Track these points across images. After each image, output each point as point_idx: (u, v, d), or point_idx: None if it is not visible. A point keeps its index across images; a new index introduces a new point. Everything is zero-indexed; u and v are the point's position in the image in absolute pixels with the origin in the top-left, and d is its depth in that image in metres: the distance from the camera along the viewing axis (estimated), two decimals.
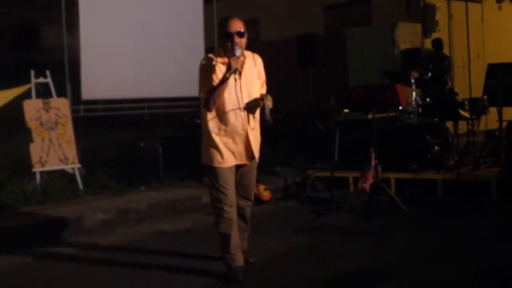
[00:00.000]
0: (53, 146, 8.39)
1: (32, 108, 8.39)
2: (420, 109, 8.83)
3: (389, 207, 7.40)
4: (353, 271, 5.31)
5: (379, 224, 6.95)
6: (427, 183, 8.42)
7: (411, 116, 8.78)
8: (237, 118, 5.01)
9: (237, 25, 4.92)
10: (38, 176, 8.27)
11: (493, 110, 9.02)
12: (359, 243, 6.30)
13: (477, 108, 8.79)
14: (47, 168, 8.36)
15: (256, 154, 5.18)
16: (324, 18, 14.79)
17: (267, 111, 4.92)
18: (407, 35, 12.67)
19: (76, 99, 9.91)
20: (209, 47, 11.47)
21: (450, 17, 13.80)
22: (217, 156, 5.04)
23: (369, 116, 8.07)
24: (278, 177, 9.29)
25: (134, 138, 9.90)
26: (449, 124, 9.60)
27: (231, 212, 5.07)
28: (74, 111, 9.48)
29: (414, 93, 8.84)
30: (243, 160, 5.15)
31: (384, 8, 13.50)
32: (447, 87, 9.39)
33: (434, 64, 10.68)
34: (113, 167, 9.07)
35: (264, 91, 5.19)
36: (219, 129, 5.04)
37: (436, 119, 8.76)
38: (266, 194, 8.51)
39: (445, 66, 11.37)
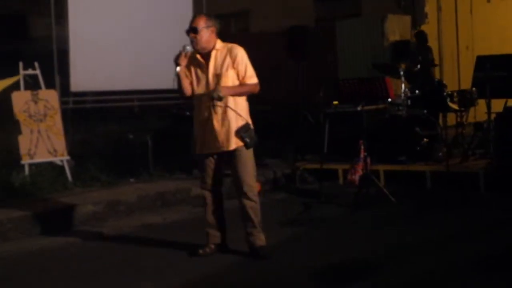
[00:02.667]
0: (42, 138, 8.37)
1: (20, 100, 8.36)
2: (409, 101, 8.85)
3: (378, 199, 7.43)
4: (342, 263, 5.33)
5: (367, 216, 6.98)
6: (416, 175, 8.45)
7: (400, 108, 8.81)
8: (205, 107, 5.36)
9: (194, 22, 5.33)
10: (26, 168, 8.25)
11: (481, 102, 9.05)
12: (348, 235, 6.33)
13: (466, 100, 8.82)
14: (36, 160, 8.34)
15: (224, 143, 5.31)
16: (314, 10, 14.78)
17: (214, 102, 5.25)
18: (397, 27, 12.68)
19: (65, 90, 9.87)
20: None
21: (439, 9, 13.79)
22: (197, 143, 5.48)
23: (358, 108, 8.09)
24: (268, 169, 9.29)
25: (123, 130, 9.89)
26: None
27: (206, 195, 5.58)
28: (63, 103, 9.44)
29: (403, 85, 8.86)
30: (215, 149, 5.37)
31: (374, 0, 13.52)
32: (436, 80, 9.41)
33: (422, 56, 10.71)
34: (103, 159, 9.06)
35: (249, 81, 5.34)
36: (196, 118, 5.48)
37: (425, 111, 8.78)
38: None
39: (430, 58, 11.40)
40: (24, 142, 8.25)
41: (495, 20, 15.23)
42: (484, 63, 8.72)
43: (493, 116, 8.65)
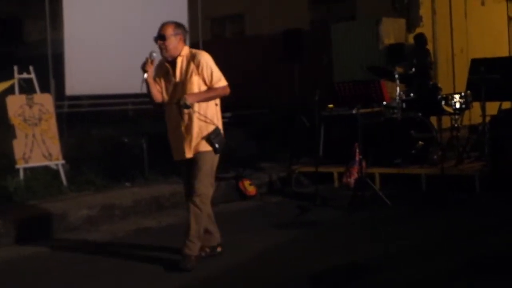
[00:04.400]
0: (37, 142, 8.35)
1: (15, 104, 8.33)
2: (404, 104, 8.86)
3: (374, 201, 7.43)
4: (338, 266, 5.33)
5: (363, 219, 6.98)
6: (411, 178, 8.46)
7: (395, 111, 8.82)
8: (172, 114, 5.41)
9: (162, 30, 5.36)
10: (21, 172, 8.22)
11: (476, 105, 9.07)
12: (344, 238, 6.32)
13: (461, 103, 8.82)
14: (31, 164, 8.32)
15: (186, 150, 5.32)
16: (309, 13, 14.78)
17: (181, 111, 5.28)
18: (392, 30, 12.69)
19: (60, 94, 9.85)
20: (194, 42, 11.45)
21: (434, 12, 13.83)
22: (172, 149, 5.53)
23: (354, 112, 8.09)
24: (263, 173, 9.30)
25: (118, 134, 9.87)
26: (433, 119, 9.63)
27: (187, 201, 5.48)
28: (58, 107, 9.43)
29: (398, 88, 8.87)
30: (182, 156, 5.39)
31: (369, 3, 13.53)
32: (431, 82, 9.43)
33: (418, 59, 10.72)
34: (98, 163, 9.04)
35: (217, 85, 5.34)
36: (167, 125, 5.52)
37: (420, 114, 8.79)
38: (251, 190, 8.53)
39: (428, 61, 11.41)
40: (19, 146, 8.23)
41: (489, 22, 15.30)
42: (479, 66, 8.74)
43: (488, 119, 8.68)
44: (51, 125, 8.55)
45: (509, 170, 8.00)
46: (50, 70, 9.79)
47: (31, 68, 8.63)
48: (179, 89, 5.35)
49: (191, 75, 5.31)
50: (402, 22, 13.00)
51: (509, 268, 5.00)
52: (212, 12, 14.86)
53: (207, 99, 5.34)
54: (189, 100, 5.23)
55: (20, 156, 8.21)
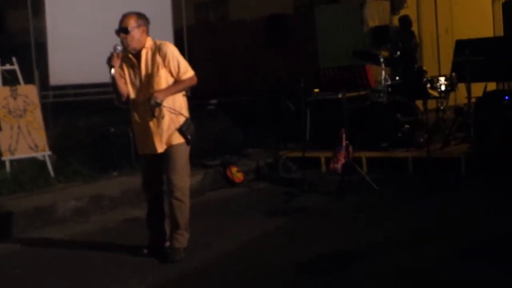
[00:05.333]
0: (22, 134, 8.31)
1: None
2: (389, 88, 8.88)
3: (361, 186, 7.47)
4: (326, 253, 5.36)
5: (350, 205, 7.02)
6: (398, 161, 8.50)
7: (381, 95, 8.84)
8: (138, 108, 5.31)
9: (123, 22, 5.19)
10: (8, 165, 8.19)
11: (461, 85, 9.10)
12: (332, 224, 6.36)
13: (446, 85, 8.84)
14: (17, 156, 8.28)
15: (158, 145, 5.26)
16: None
17: (153, 110, 5.18)
18: (376, 13, 12.69)
19: (44, 84, 9.79)
20: (178, 27, 11.40)
21: None
22: (137, 144, 5.50)
23: (339, 96, 8.10)
24: (250, 159, 9.30)
25: (104, 123, 9.82)
26: (419, 101, 9.66)
27: (148, 195, 5.56)
28: (42, 97, 9.38)
29: (383, 72, 8.88)
30: (150, 150, 5.31)
31: None
32: (416, 66, 9.45)
33: (403, 42, 10.73)
34: (85, 153, 9.01)
35: (185, 76, 5.24)
36: (133, 119, 5.41)
37: (406, 97, 8.82)
38: (238, 176, 8.54)
39: (413, 43, 11.42)
40: (4, 139, 8.19)
41: (474, 2, 15.30)
42: (463, 47, 8.76)
43: (473, 100, 8.72)
44: (36, 116, 8.51)
45: (494, 152, 8.05)
46: (33, 60, 9.71)
47: (14, 59, 8.56)
48: (146, 83, 5.23)
49: (158, 68, 5.18)
50: (386, 4, 12.99)
51: (496, 254, 5.04)
52: None
53: (176, 92, 5.26)
54: (159, 97, 5.12)
55: (6, 148, 8.17)
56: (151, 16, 11.11)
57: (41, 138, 8.44)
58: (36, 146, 8.39)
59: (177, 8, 11.43)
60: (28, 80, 8.93)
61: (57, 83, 9.98)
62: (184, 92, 5.39)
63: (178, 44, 11.10)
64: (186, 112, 5.36)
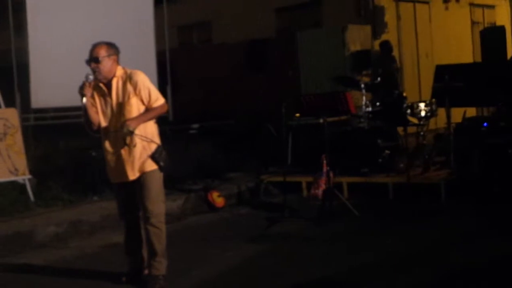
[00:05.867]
0: (2, 158, 8.25)
1: None
2: (370, 114, 8.95)
3: (342, 212, 7.49)
4: (307, 280, 5.36)
5: (331, 231, 7.02)
6: (378, 187, 8.54)
7: (362, 120, 8.90)
8: (109, 137, 5.31)
9: (94, 52, 5.23)
10: None
11: (441, 111, 9.19)
12: (312, 250, 6.37)
13: (426, 112, 8.92)
14: None
15: (130, 173, 5.25)
16: (276, 21, 14.83)
17: (125, 138, 5.18)
18: (357, 37, 12.82)
19: (25, 107, 9.74)
20: (160, 50, 11.42)
21: (398, 18, 14.00)
22: (108, 171, 5.45)
23: (321, 121, 8.14)
24: (232, 183, 9.30)
25: (86, 147, 9.77)
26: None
27: (124, 222, 5.59)
28: (23, 120, 9.33)
29: (364, 98, 8.95)
30: (123, 178, 5.30)
31: (334, 10, 13.64)
32: (396, 92, 9.54)
33: (383, 68, 10.82)
34: (65, 177, 8.96)
35: (156, 104, 5.26)
36: (104, 148, 5.38)
37: (386, 123, 8.88)
38: (219, 201, 8.52)
39: (393, 68, 11.53)
40: None
41: (453, 27, 15.52)
42: (443, 73, 8.87)
43: (452, 126, 8.80)
44: (17, 139, 8.46)
45: (473, 178, 8.12)
46: (15, 83, 9.66)
47: None
48: (117, 112, 5.23)
49: (129, 97, 5.20)
50: (368, 28, 13.13)
51: (475, 282, 5.07)
52: (179, 20, 14.85)
53: (148, 120, 5.28)
54: (132, 126, 5.13)
55: None
56: (134, 39, 11.22)
57: (21, 162, 8.38)
58: (16, 170, 8.33)
59: (160, 31, 11.46)
60: (9, 103, 8.89)
61: (38, 106, 9.94)
62: (155, 120, 5.41)
63: (161, 66, 11.19)
64: (157, 139, 5.36)
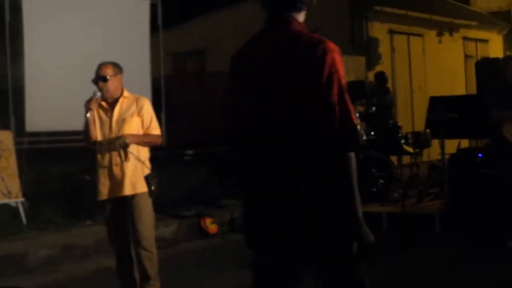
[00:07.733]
0: None
1: None
2: (365, 143, 8.98)
3: None
4: None
5: None
6: (372, 216, 8.51)
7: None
8: (106, 152, 5.31)
9: (101, 71, 5.30)
10: None
11: (435, 142, 9.23)
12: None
13: (420, 142, 8.97)
14: None
15: (119, 188, 5.24)
16: None
17: (119, 149, 5.21)
18: (351, 68, 12.91)
19: (20, 130, 9.72)
20: (156, 77, 11.45)
21: (392, 49, 14.14)
22: (98, 188, 5.35)
23: None
24: (225, 210, 9.27)
25: (79, 171, 9.75)
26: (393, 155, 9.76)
27: (115, 245, 5.50)
28: (17, 143, 9.30)
29: (358, 127, 8.98)
30: (117, 192, 5.26)
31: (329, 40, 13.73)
32: (391, 122, 9.59)
33: (378, 98, 10.88)
34: (58, 200, 8.91)
35: (154, 132, 5.35)
36: (98, 163, 5.37)
37: (380, 153, 8.92)
38: (212, 228, 8.50)
39: (388, 99, 11.60)
40: None
41: (447, 60, 15.68)
42: (437, 104, 8.92)
43: (447, 156, 8.83)
44: (11, 162, 8.43)
45: (468, 209, 8.13)
46: (10, 106, 9.65)
47: None
48: (116, 128, 5.28)
49: (131, 115, 5.28)
50: (362, 59, 13.25)
51: None
52: (174, 47, 14.92)
53: (142, 143, 5.32)
54: (128, 139, 5.18)
55: None
56: (130, 65, 11.15)
57: (14, 185, 8.35)
58: (9, 192, 8.29)
59: (156, 58, 11.50)
60: (4, 126, 8.87)
61: (32, 130, 9.92)
62: (148, 148, 5.43)
63: (156, 93, 11.20)
64: (149, 166, 5.37)
